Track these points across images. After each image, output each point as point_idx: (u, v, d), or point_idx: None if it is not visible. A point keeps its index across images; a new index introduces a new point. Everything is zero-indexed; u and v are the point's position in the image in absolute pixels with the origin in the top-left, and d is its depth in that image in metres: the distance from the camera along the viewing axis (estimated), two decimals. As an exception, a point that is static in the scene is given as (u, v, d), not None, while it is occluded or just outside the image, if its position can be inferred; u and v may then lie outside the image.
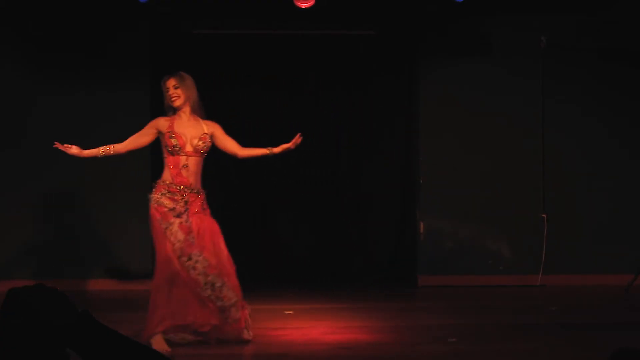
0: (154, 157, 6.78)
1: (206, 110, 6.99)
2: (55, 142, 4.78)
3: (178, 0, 6.61)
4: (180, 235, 4.57)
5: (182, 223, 4.59)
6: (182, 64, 6.92)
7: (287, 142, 4.81)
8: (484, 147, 6.96)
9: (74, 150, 4.76)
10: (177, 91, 4.69)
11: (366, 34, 6.97)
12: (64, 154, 4.83)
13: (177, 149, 4.64)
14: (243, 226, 6.96)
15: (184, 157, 4.64)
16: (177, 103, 4.69)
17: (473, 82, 6.93)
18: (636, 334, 4.84)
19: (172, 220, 4.59)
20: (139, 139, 4.75)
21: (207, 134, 4.74)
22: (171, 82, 4.70)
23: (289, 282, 6.85)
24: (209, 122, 4.82)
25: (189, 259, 4.58)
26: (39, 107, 6.75)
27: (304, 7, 6.04)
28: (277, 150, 4.79)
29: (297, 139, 4.75)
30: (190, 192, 4.64)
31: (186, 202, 4.62)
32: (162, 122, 4.73)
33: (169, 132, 4.65)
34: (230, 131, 7.21)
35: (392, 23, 6.94)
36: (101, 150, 4.73)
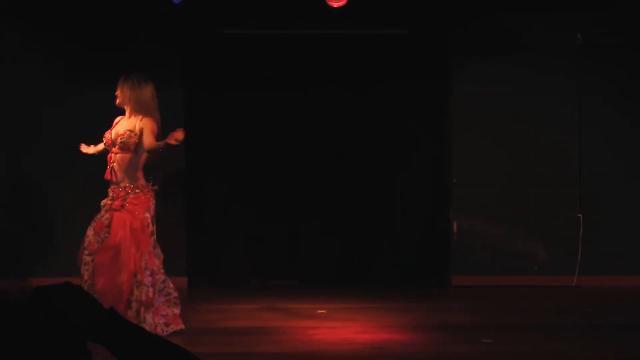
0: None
1: (236, 110, 7.08)
2: (81, 145, 5.17)
3: (210, 0, 6.65)
4: (90, 232, 4.89)
5: (99, 219, 4.87)
6: (213, 64, 7.01)
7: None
8: (518, 147, 6.89)
9: (91, 150, 5.18)
10: (117, 92, 5.02)
11: (398, 34, 6.95)
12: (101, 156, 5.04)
13: (106, 145, 4.99)
14: (275, 226, 6.99)
15: (112, 154, 4.95)
16: (117, 102, 5.02)
17: (506, 81, 6.87)
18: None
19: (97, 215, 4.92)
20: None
21: (131, 130, 4.94)
22: (119, 83, 5.04)
23: (321, 282, 6.86)
24: (146, 120, 4.96)
25: (89, 254, 4.84)
26: (71, 106, 6.84)
27: (336, 5, 6.04)
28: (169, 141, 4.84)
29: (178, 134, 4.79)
30: (117, 189, 4.90)
31: (112, 199, 4.89)
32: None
33: (108, 130, 5.01)
34: (263, 131, 7.27)
35: (424, 22, 6.90)
36: (101, 147, 5.12)
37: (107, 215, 4.88)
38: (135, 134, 4.90)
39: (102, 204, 4.95)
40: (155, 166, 6.83)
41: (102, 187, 5.81)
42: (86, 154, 5.21)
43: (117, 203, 4.87)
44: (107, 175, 4.92)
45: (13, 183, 6.79)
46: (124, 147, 4.91)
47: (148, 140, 4.89)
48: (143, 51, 6.80)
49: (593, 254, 6.78)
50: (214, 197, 6.95)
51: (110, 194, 4.92)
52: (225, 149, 6.82)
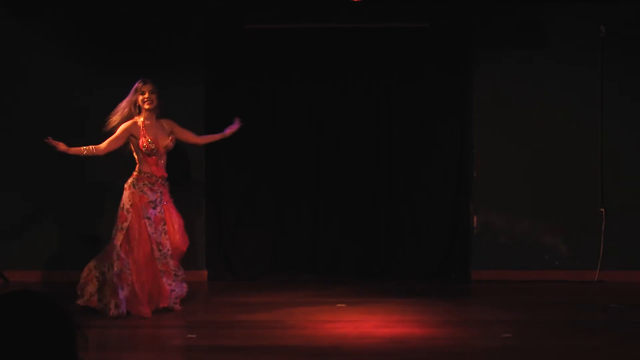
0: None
1: (256, 103, 7.10)
2: (48, 138, 5.35)
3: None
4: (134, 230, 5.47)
5: (158, 214, 5.45)
6: (234, 59, 7.02)
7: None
8: (539, 140, 6.84)
9: (61, 147, 5.38)
10: (151, 95, 5.40)
11: (419, 27, 6.91)
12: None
13: (147, 150, 5.38)
14: (296, 220, 6.99)
15: (159, 155, 5.45)
16: (150, 107, 5.42)
17: (528, 74, 6.81)
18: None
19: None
20: (115, 143, 5.40)
21: (169, 134, 5.56)
22: (148, 88, 5.43)
23: (341, 276, 6.86)
24: (169, 121, 5.64)
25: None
26: (96, 104, 6.88)
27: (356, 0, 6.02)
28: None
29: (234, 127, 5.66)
30: (162, 185, 5.47)
31: (161, 193, 5.44)
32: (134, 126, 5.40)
33: (143, 134, 5.37)
34: (284, 124, 7.27)
35: (445, 15, 6.86)
36: (84, 150, 5.38)
37: (162, 209, 5.37)
38: (174, 139, 5.49)
39: (150, 199, 5.31)
40: (176, 160, 6.91)
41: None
42: (60, 152, 5.43)
43: (167, 197, 5.46)
44: (159, 173, 5.39)
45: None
46: (168, 149, 5.44)
47: (190, 136, 5.62)
48: (164, 47, 6.82)
49: (615, 248, 6.72)
50: (234, 190, 6.97)
51: (157, 189, 5.36)
52: (245, 143, 6.83)
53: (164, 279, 5.35)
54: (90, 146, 5.40)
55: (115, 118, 5.45)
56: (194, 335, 4.83)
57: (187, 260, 6.88)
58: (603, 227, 6.73)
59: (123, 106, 5.46)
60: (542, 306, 5.80)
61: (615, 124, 6.78)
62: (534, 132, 6.84)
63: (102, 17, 6.81)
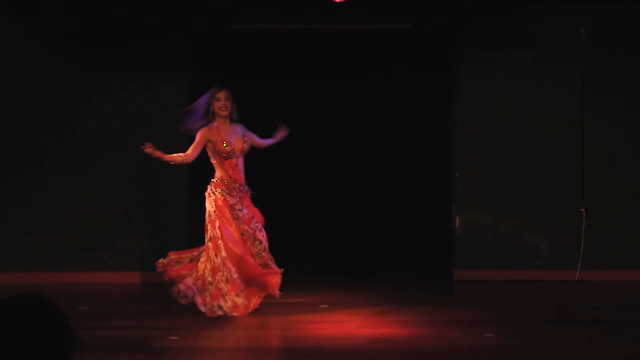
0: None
1: (244, 104, 7.11)
2: (147, 145, 5.35)
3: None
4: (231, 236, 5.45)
5: (246, 215, 5.49)
6: (220, 59, 7.00)
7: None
8: (522, 141, 6.88)
9: (158, 154, 5.43)
10: (226, 102, 5.45)
11: (403, 28, 6.93)
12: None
13: (226, 154, 5.40)
14: (283, 221, 6.98)
15: (235, 159, 5.45)
16: (226, 113, 5.46)
17: (512, 75, 6.85)
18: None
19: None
20: (197, 149, 5.43)
21: (242, 138, 5.51)
22: (223, 94, 5.45)
23: (325, 276, 6.86)
24: (241, 126, 5.59)
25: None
26: (81, 104, 6.84)
27: (338, 1, 6.02)
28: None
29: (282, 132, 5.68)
30: (241, 190, 5.46)
31: (240, 198, 5.43)
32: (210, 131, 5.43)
33: (220, 138, 5.39)
34: (268, 125, 7.29)
35: (429, 16, 6.88)
36: (178, 158, 5.44)
37: (246, 210, 5.41)
38: (248, 142, 5.52)
39: (231, 204, 5.35)
40: (160, 162, 6.87)
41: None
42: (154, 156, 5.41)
43: (247, 202, 5.45)
44: (241, 180, 5.43)
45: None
46: (245, 153, 5.48)
47: (256, 139, 5.62)
48: (149, 48, 6.80)
49: (596, 248, 6.78)
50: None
51: (236, 194, 5.39)
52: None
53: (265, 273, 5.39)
54: (181, 154, 5.42)
55: (191, 122, 5.48)
56: (176, 337, 4.80)
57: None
58: (584, 227, 6.78)
59: (197, 108, 5.47)
60: (525, 305, 5.84)
61: (596, 125, 6.84)
62: (518, 133, 6.88)
63: (88, 18, 6.77)
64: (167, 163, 5.56)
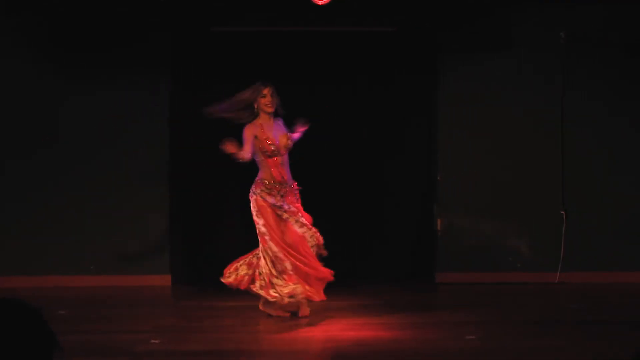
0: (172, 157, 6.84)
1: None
2: (227, 146, 5.23)
3: (196, -2, 6.64)
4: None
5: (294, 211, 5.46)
6: (200, 61, 6.98)
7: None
8: (504, 144, 6.92)
9: (234, 150, 5.30)
10: (271, 99, 5.38)
11: (386, 31, 6.95)
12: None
13: (272, 152, 5.33)
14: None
15: (280, 157, 5.38)
16: (270, 110, 5.36)
17: (493, 77, 6.90)
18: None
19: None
20: (249, 146, 5.32)
21: (286, 134, 5.43)
22: (269, 91, 5.37)
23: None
24: (280, 121, 5.50)
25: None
26: (62, 106, 6.80)
27: (320, 4, 6.04)
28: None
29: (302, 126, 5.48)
30: (286, 187, 5.38)
31: (282, 195, 5.35)
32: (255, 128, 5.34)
33: (265, 137, 5.30)
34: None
35: (411, 19, 6.91)
36: (245, 155, 5.31)
37: (290, 206, 5.33)
38: (291, 137, 5.40)
39: (273, 202, 5.28)
40: (140, 163, 6.84)
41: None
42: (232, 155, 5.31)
43: (291, 199, 5.35)
44: (279, 178, 5.32)
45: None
46: (289, 149, 5.39)
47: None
48: (130, 50, 6.78)
49: (577, 250, 6.83)
50: (199, 193, 6.93)
51: (276, 193, 5.30)
52: (210, 143, 6.80)
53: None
54: (241, 153, 5.31)
55: (221, 110, 5.39)
56: (157, 341, 4.78)
57: (150, 264, 6.83)
58: (564, 229, 6.84)
59: (236, 102, 5.36)
60: (506, 307, 5.87)
61: (575, 127, 6.90)
62: (498, 136, 6.92)
63: (69, 18, 6.74)
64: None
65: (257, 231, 5.34)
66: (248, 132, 5.32)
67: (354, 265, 7.08)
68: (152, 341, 4.77)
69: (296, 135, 5.51)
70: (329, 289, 6.52)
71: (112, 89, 6.82)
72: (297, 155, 7.29)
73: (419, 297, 6.45)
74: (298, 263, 5.29)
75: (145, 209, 6.83)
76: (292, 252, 5.31)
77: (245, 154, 5.29)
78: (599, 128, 6.91)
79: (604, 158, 6.91)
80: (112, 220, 6.79)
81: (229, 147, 5.24)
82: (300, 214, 5.37)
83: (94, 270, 6.78)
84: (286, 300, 5.25)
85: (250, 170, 5.47)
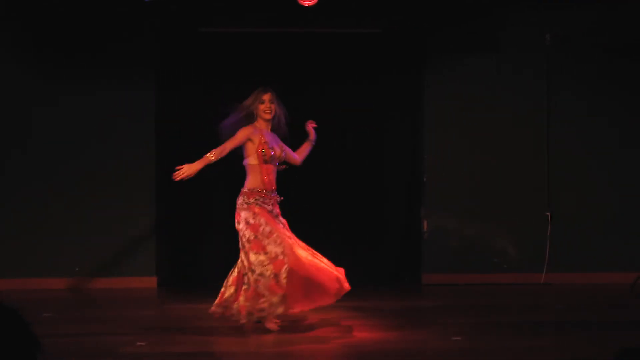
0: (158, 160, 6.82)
1: (208, 107, 7.10)
2: (177, 174, 4.97)
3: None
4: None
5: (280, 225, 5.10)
6: (188, 62, 6.97)
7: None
8: (489, 145, 6.96)
9: (190, 170, 4.98)
10: (271, 105, 5.09)
11: (372, 32, 6.97)
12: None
13: (270, 159, 5.06)
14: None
15: (272, 166, 5.11)
16: (269, 116, 5.09)
17: (478, 79, 6.93)
18: (641, 332, 4.84)
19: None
20: (232, 144, 5.01)
21: (281, 145, 5.20)
22: (268, 96, 5.10)
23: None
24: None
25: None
26: (46, 107, 6.77)
27: (307, 5, 6.04)
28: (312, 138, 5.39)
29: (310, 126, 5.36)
30: (274, 198, 5.11)
31: (272, 204, 5.07)
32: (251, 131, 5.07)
33: (265, 142, 5.03)
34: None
35: (397, 21, 6.93)
36: (212, 157, 4.98)
37: (279, 219, 5.06)
38: (284, 149, 5.18)
39: (270, 210, 5.01)
40: (127, 162, 6.81)
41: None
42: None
43: (277, 210, 5.10)
44: (269, 186, 5.05)
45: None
46: (280, 161, 5.14)
47: (292, 155, 5.27)
48: (117, 50, 6.75)
49: (562, 251, 6.88)
50: (185, 195, 6.91)
51: (269, 201, 5.03)
52: (197, 143, 6.79)
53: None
54: (213, 152, 4.94)
55: (227, 123, 5.12)
56: (143, 343, 4.76)
57: (136, 267, 6.81)
58: (549, 230, 6.88)
59: (242, 110, 5.10)
60: (492, 308, 5.90)
61: (561, 129, 6.95)
62: (485, 137, 6.96)
63: (56, 20, 6.72)
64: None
65: (250, 237, 4.93)
66: (242, 133, 4.99)
67: (340, 267, 7.08)
68: (138, 343, 4.75)
69: (303, 154, 5.31)
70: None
71: (99, 89, 6.79)
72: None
73: (405, 298, 6.46)
74: (315, 260, 4.97)
75: (131, 211, 6.80)
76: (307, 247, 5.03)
77: (217, 152, 4.92)
78: (584, 129, 6.96)
79: (588, 159, 6.96)
80: (98, 221, 6.76)
81: (185, 171, 4.92)
82: (289, 233, 5.07)
83: (79, 272, 6.74)
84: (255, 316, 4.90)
85: (239, 171, 5.40)
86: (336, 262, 7.13)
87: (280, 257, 4.85)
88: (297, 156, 5.32)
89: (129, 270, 6.77)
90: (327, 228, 7.07)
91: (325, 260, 5.14)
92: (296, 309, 4.98)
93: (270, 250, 4.88)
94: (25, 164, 6.74)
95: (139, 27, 6.77)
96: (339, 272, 5.14)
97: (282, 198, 5.16)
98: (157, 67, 6.84)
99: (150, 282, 6.77)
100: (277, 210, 5.11)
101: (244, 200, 5.03)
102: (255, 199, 5.01)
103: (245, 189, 5.05)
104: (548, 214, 6.91)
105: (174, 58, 6.93)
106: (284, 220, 5.14)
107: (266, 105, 5.07)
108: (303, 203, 7.05)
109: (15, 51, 6.74)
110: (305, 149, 5.33)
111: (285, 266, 4.82)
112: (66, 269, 6.74)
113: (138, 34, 6.78)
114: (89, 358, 4.51)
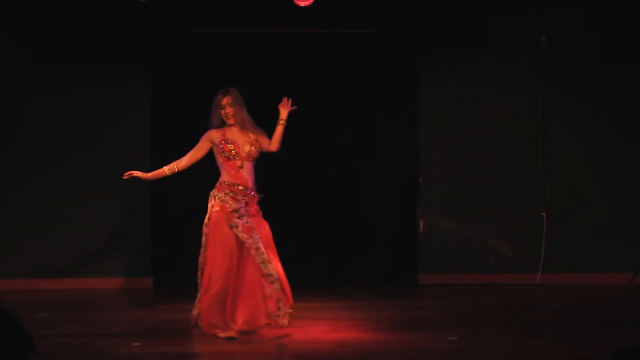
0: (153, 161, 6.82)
1: (205, 108, 7.09)
2: (126, 174, 5.09)
3: (179, -1, 6.63)
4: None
5: (246, 225, 4.93)
6: (183, 62, 6.97)
7: (288, 141, 5.03)
8: (485, 146, 6.97)
9: (141, 176, 5.13)
10: (230, 110, 4.99)
11: (367, 33, 6.98)
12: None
13: (232, 156, 4.98)
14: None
15: (241, 163, 5.02)
16: (232, 121, 5.01)
17: (475, 80, 6.94)
18: (637, 332, 4.86)
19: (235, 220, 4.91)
20: (196, 154, 5.08)
21: (252, 143, 5.06)
22: (226, 101, 5.00)
23: (290, 280, 6.84)
24: (255, 132, 5.12)
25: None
26: (42, 106, 6.76)
27: (303, 5, 6.04)
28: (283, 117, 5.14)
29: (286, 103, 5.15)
30: (250, 195, 5.01)
31: (246, 203, 4.97)
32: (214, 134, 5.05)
33: (223, 140, 4.98)
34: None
35: (393, 21, 6.94)
36: (167, 170, 5.10)
37: (248, 219, 4.94)
38: (257, 146, 5.05)
39: (233, 209, 4.91)
40: (122, 162, 6.80)
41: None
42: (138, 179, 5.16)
43: (253, 209, 4.99)
44: (241, 182, 4.97)
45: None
46: (253, 158, 5.03)
47: (265, 142, 5.10)
48: (112, 50, 6.75)
49: (558, 251, 6.89)
50: (181, 195, 6.90)
51: (241, 199, 4.95)
52: (191, 143, 6.78)
53: (268, 290, 4.93)
54: (172, 164, 5.06)
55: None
56: (139, 343, 4.75)
57: (132, 267, 6.80)
58: (544, 230, 6.89)
59: (212, 112, 5.10)
60: (488, 308, 5.90)
61: (556, 129, 6.96)
62: (480, 137, 6.97)
63: (52, 21, 6.71)
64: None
65: (203, 243, 4.95)
66: (202, 139, 5.05)
67: (336, 267, 7.09)
68: (134, 344, 4.74)
69: (276, 139, 5.10)
70: (310, 290, 6.54)
71: (94, 89, 6.79)
72: (280, 156, 7.30)
73: (401, 298, 6.47)
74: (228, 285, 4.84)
75: (127, 211, 6.79)
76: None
77: (177, 166, 5.06)
78: (580, 130, 6.98)
79: (584, 160, 6.97)
80: (93, 222, 6.75)
81: (133, 175, 5.04)
82: (255, 236, 4.91)
83: (74, 272, 6.73)
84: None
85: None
86: (334, 262, 7.17)
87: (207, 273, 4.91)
88: (271, 145, 5.10)
89: (124, 270, 6.76)
90: (323, 227, 7.07)
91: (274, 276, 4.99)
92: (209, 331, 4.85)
93: (201, 261, 5.02)
94: (21, 163, 6.73)
95: (135, 27, 6.77)
96: (273, 303, 4.91)
97: (262, 195, 5.08)
98: (153, 67, 6.83)
99: (146, 282, 6.76)
100: (253, 209, 4.99)
101: (213, 193, 5.02)
102: (225, 193, 4.93)
103: (217, 184, 5.05)
104: (544, 214, 6.92)
105: (170, 58, 6.93)
106: (258, 220, 5.02)
107: (225, 111, 4.99)
108: (299, 203, 7.06)
109: (11, 51, 6.73)
110: (276, 133, 5.08)
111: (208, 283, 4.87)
112: (62, 269, 6.72)
113: (134, 33, 6.77)
114: (84, 359, 4.50)
